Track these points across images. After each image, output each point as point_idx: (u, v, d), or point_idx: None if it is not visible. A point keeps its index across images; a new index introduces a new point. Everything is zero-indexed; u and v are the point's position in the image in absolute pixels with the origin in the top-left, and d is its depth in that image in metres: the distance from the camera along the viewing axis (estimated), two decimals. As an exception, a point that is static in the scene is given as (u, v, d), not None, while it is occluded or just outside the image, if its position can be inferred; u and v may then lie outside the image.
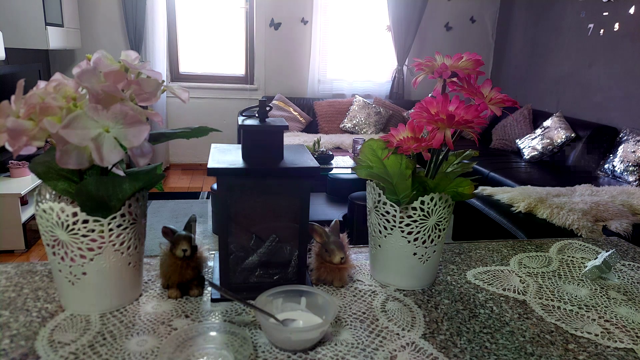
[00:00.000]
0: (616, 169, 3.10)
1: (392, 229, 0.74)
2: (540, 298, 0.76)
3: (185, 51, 4.46)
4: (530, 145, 3.77)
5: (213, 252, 0.84)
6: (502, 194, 2.57)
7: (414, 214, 0.71)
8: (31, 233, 2.69)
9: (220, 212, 0.68)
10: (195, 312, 0.67)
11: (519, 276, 0.84)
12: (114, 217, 0.62)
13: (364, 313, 0.69)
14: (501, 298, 0.76)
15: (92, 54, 0.60)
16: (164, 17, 4.14)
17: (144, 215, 0.68)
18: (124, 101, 0.56)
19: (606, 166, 3.21)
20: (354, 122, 4.38)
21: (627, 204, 2.39)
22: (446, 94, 0.69)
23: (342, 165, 3.13)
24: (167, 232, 0.71)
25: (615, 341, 0.65)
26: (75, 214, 0.60)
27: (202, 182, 4.22)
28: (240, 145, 0.73)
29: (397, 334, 0.64)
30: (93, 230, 0.61)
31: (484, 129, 4.37)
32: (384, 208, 0.74)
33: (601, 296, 0.78)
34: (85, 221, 0.60)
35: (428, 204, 0.71)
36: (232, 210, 0.69)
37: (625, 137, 3.15)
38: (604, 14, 3.56)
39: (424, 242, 0.74)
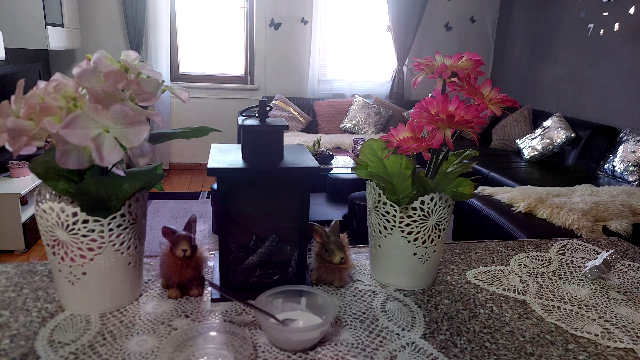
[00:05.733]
0: (616, 169, 3.10)
1: (392, 229, 0.74)
2: (540, 298, 0.76)
3: (185, 51, 4.45)
4: (530, 145, 3.77)
5: (213, 252, 0.84)
6: (502, 194, 2.57)
7: (414, 214, 0.71)
8: (31, 233, 2.69)
9: (220, 212, 0.68)
10: (195, 312, 0.67)
11: (519, 276, 0.84)
12: (114, 217, 0.62)
13: (364, 313, 0.69)
14: (501, 298, 0.76)
15: (92, 54, 0.60)
16: (167, 17, 4.13)
17: (144, 215, 0.68)
18: (124, 101, 0.56)
19: (606, 166, 3.21)
20: (354, 122, 4.38)
21: (627, 204, 2.39)
22: (446, 94, 0.69)
23: (342, 165, 3.13)
24: (167, 232, 0.71)
25: (615, 341, 0.65)
26: (75, 214, 0.60)
27: (202, 182, 4.21)
28: (240, 145, 0.73)
29: (397, 334, 0.64)
30: (93, 230, 0.61)
31: (484, 129, 4.37)
32: (384, 208, 0.74)
33: (601, 296, 0.78)
34: (85, 221, 0.60)
35: (428, 204, 0.71)
36: (232, 210, 0.69)
37: (625, 137, 3.15)
38: (604, 14, 3.55)
39: (424, 242, 0.74)
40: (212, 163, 0.66)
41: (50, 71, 3.99)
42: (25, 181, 2.75)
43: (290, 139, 3.97)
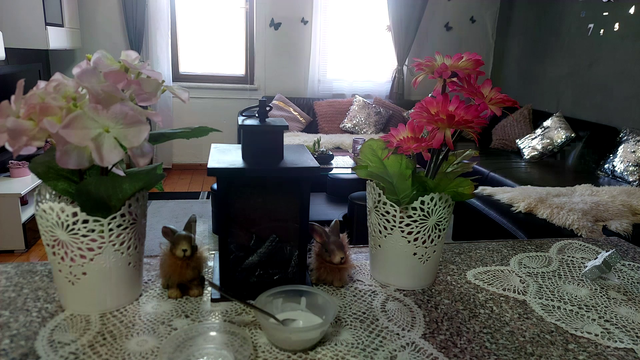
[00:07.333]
0: (616, 169, 3.10)
1: (392, 229, 0.74)
2: (540, 298, 0.76)
3: (185, 51, 4.45)
4: (530, 145, 3.77)
5: (213, 252, 0.84)
6: (502, 194, 2.57)
7: (414, 214, 0.71)
8: (31, 233, 2.69)
9: (220, 212, 0.68)
10: (195, 312, 0.67)
11: (519, 276, 0.84)
12: (114, 217, 0.62)
13: (364, 313, 0.69)
14: (501, 298, 0.76)
15: (92, 54, 0.60)
16: (167, 17, 4.13)
17: (144, 215, 0.68)
18: (124, 101, 0.56)
19: (606, 166, 3.21)
20: (354, 122, 4.38)
21: (627, 204, 2.39)
22: (446, 94, 0.69)
23: (342, 165, 3.13)
24: (167, 232, 0.71)
25: (615, 341, 0.65)
26: (75, 214, 0.59)
27: (202, 182, 4.21)
28: (240, 145, 0.73)
29: (397, 334, 0.64)
30: (93, 230, 0.61)
31: (484, 129, 4.36)
32: (384, 208, 0.73)
33: (601, 296, 0.78)
34: (85, 221, 0.60)
35: (428, 204, 0.71)
36: (232, 210, 0.69)
37: (625, 137, 3.15)
38: (604, 14, 3.55)
39: (424, 242, 0.74)
40: (212, 163, 0.66)
41: (50, 71, 3.99)
42: (25, 181, 2.75)
43: (290, 139, 3.97)
